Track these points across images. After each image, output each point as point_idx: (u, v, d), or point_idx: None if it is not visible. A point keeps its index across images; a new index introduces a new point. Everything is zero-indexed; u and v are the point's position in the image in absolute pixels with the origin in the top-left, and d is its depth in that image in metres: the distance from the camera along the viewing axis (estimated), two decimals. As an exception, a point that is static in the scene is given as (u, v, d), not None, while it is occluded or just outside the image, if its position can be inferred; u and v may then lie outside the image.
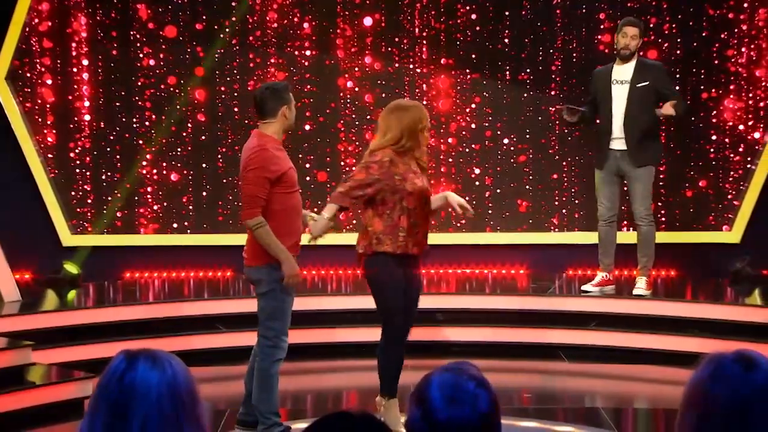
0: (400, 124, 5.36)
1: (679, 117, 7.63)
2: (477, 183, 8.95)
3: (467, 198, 8.85)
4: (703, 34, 8.66)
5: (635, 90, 7.32)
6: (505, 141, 8.91)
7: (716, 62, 8.67)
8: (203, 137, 8.88)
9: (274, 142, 5.30)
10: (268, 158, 5.19)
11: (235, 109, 8.87)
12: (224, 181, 8.88)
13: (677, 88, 8.60)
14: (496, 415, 2.09)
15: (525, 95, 8.86)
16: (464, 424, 2.03)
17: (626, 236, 8.07)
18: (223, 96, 8.87)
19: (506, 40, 8.80)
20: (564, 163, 8.83)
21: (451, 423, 2.02)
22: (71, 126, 8.80)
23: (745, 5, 8.60)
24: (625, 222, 8.36)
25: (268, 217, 5.19)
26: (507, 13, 8.79)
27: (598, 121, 7.67)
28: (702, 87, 8.70)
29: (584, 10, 8.72)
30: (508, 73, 8.86)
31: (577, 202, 8.73)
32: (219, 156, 8.88)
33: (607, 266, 7.66)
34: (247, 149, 5.29)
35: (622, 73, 7.38)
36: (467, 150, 8.94)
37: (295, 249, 5.35)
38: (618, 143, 7.39)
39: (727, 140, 8.72)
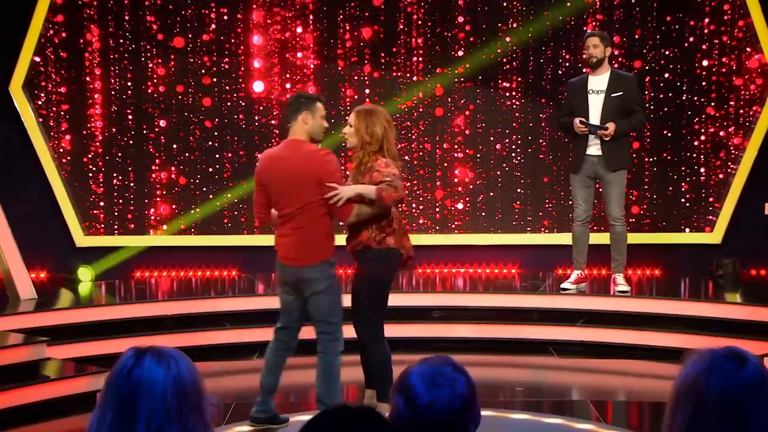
0: None
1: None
2: (471, 186, 8.94)
3: (462, 201, 8.90)
4: (686, 45, 8.67)
5: (610, 99, 7.37)
6: (498, 146, 8.91)
7: (698, 71, 8.67)
8: (210, 143, 8.88)
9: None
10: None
11: (241, 116, 8.87)
12: (230, 184, 8.87)
13: (660, 96, 8.66)
14: (474, 398, 2.12)
15: (516, 102, 8.86)
16: (445, 406, 2.06)
17: (601, 237, 8.05)
18: (228, 104, 8.86)
19: (499, 50, 8.80)
20: (554, 167, 8.84)
21: (432, 405, 2.06)
22: (84, 132, 8.79)
23: (726, 18, 8.61)
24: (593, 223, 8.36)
25: (319, 219, 5.15)
26: (499, 25, 8.80)
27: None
28: (685, 96, 8.71)
29: (572, 23, 8.73)
30: (500, 81, 8.86)
31: (566, 204, 8.72)
32: (225, 161, 8.88)
33: (581, 264, 7.71)
34: (312, 159, 5.16)
35: (598, 83, 7.45)
36: (461, 155, 8.94)
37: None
38: (594, 149, 7.44)
39: (708, 146, 8.73)
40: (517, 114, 8.88)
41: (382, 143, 5.24)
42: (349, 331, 5.35)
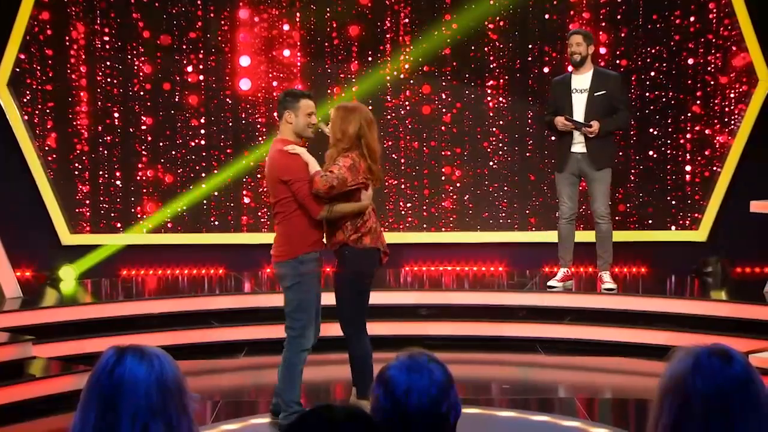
0: None
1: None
2: (458, 184, 8.94)
3: (449, 199, 8.89)
4: (671, 43, 8.69)
5: (593, 98, 7.38)
6: (485, 144, 8.91)
7: (684, 70, 8.69)
8: (196, 140, 8.84)
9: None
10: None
11: (227, 114, 8.83)
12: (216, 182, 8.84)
13: (646, 94, 8.69)
14: (451, 388, 2.14)
15: (503, 101, 8.86)
16: (423, 392, 2.08)
17: (588, 235, 8.04)
18: (215, 101, 8.83)
19: (486, 49, 8.80)
20: (540, 166, 8.84)
21: (410, 392, 2.08)
22: (70, 130, 8.74)
23: (711, 16, 8.63)
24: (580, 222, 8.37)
25: (293, 215, 5.24)
26: (486, 23, 8.79)
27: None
28: (671, 94, 8.72)
29: (559, 21, 8.74)
30: (487, 79, 8.85)
31: (552, 202, 8.72)
32: (212, 159, 8.84)
33: (567, 262, 7.71)
34: (276, 158, 5.31)
35: (581, 82, 7.46)
36: (449, 153, 8.93)
37: (319, 245, 5.35)
38: (579, 147, 7.46)
39: (694, 144, 8.75)
40: (503, 112, 8.87)
41: (360, 142, 5.25)
42: (336, 330, 5.35)
